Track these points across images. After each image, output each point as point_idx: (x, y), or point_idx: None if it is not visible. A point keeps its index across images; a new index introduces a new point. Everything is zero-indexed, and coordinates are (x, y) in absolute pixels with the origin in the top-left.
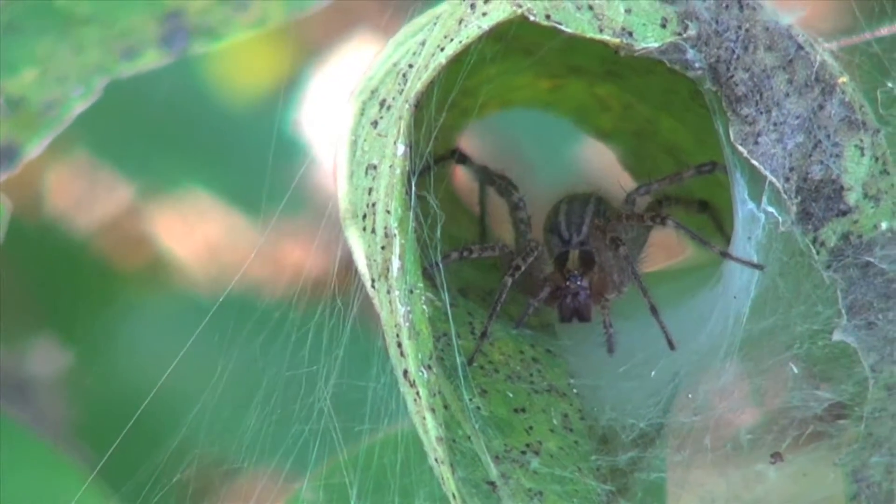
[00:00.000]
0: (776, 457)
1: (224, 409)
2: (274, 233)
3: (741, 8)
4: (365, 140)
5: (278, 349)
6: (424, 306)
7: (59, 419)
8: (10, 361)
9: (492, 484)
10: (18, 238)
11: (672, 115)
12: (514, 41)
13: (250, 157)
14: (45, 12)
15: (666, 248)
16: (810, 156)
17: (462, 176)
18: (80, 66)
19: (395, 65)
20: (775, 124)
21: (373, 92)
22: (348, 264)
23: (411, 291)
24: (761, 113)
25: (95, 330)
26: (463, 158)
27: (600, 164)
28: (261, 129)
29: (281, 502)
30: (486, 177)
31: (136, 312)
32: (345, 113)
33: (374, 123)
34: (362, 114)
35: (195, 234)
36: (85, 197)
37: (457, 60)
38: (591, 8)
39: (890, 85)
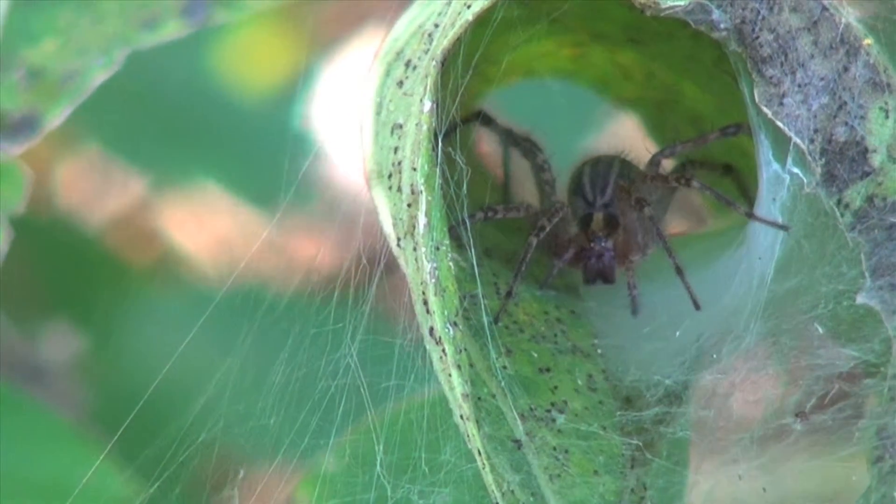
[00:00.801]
0: (801, 416)
1: (249, 369)
2: (285, 226)
3: None
4: (390, 101)
5: (303, 309)
6: (450, 263)
7: (74, 406)
8: (26, 353)
9: (517, 441)
10: (31, 233)
11: (695, 83)
12: (537, 5)
13: (260, 152)
14: None
15: (687, 217)
16: (835, 117)
17: (485, 144)
18: (100, 36)
19: (420, 26)
20: (800, 85)
21: (398, 53)
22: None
23: (437, 248)
24: (786, 74)
25: (108, 323)
26: (488, 120)
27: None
28: (271, 123)
29: (308, 457)
30: (511, 139)
31: (148, 306)
32: (369, 75)
33: (400, 83)
34: (388, 75)
35: (206, 228)
36: (96, 192)
37: (481, 23)
38: None
39: None
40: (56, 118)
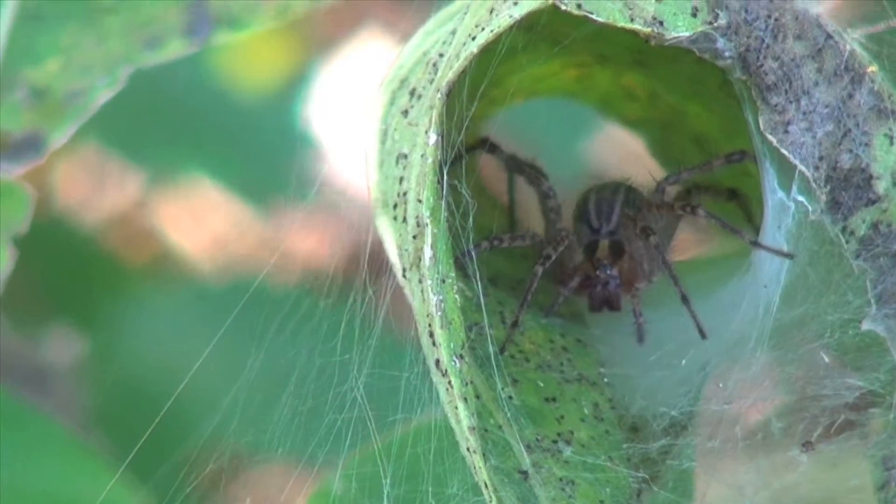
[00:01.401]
0: (807, 446)
1: (255, 398)
2: (284, 225)
3: None
4: (395, 129)
5: (309, 338)
6: (456, 296)
7: (75, 409)
8: (26, 351)
9: (524, 473)
10: (29, 233)
11: (699, 105)
12: (542, 30)
13: (259, 150)
14: (69, 1)
15: (693, 236)
16: (840, 144)
17: (489, 168)
18: (104, 55)
19: (424, 54)
20: (805, 113)
21: (402, 81)
22: (375, 255)
23: (443, 281)
24: (791, 102)
25: (106, 323)
26: (493, 148)
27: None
28: (269, 121)
29: (313, 490)
30: (516, 166)
31: (146, 305)
32: (373, 102)
33: (405, 112)
34: (392, 103)
35: (203, 226)
36: (94, 191)
37: (487, 50)
38: None
39: None
40: (60, 138)
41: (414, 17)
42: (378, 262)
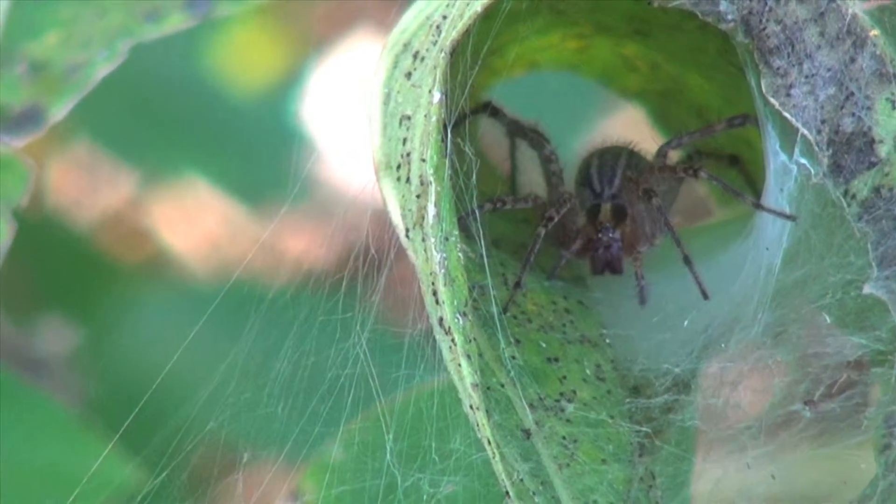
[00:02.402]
0: (810, 404)
1: (256, 357)
2: (277, 224)
3: None
4: (398, 92)
5: (310, 297)
6: (460, 254)
7: (71, 398)
8: (23, 345)
9: (526, 431)
10: (23, 228)
11: (700, 74)
12: None
13: (251, 150)
14: None
15: (694, 209)
16: (842, 108)
17: (489, 136)
18: (103, 29)
19: (427, 18)
20: (807, 76)
21: (405, 45)
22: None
23: (447, 239)
24: (793, 65)
25: (101, 319)
26: (495, 111)
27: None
28: (262, 121)
29: (317, 447)
30: (518, 130)
31: (139, 303)
32: (376, 67)
33: (408, 75)
34: (395, 66)
35: (196, 225)
36: (87, 188)
37: (488, 17)
38: None
39: None
40: (60, 111)
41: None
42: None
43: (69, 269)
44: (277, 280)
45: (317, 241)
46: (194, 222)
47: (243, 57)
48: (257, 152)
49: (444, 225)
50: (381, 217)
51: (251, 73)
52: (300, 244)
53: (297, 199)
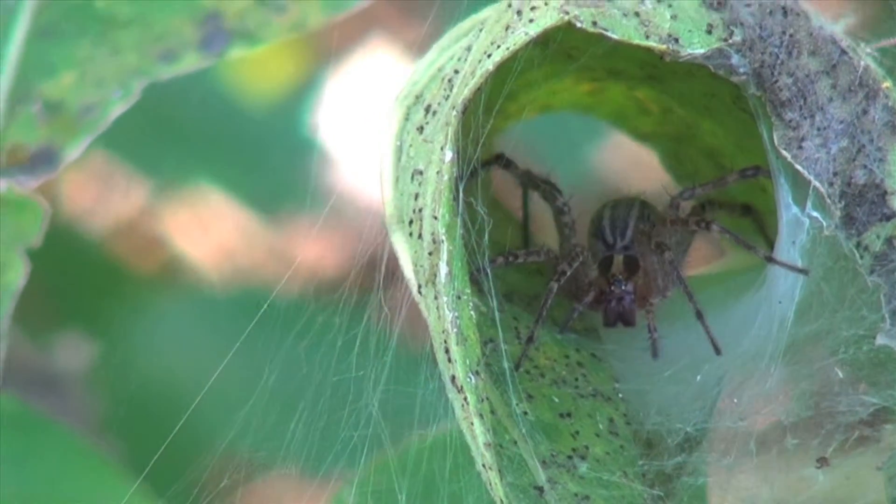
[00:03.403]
0: (822, 461)
1: (270, 413)
2: (291, 233)
3: (785, 14)
4: (410, 145)
5: (324, 354)
6: (472, 312)
7: (86, 414)
8: (38, 362)
9: (539, 489)
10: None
11: (713, 119)
12: (557, 46)
13: (265, 158)
14: (83, 15)
15: (707, 251)
16: (854, 160)
17: (502, 183)
18: (118, 68)
19: (439, 69)
20: (819, 129)
21: (417, 97)
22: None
23: (459, 297)
24: (805, 118)
25: (115, 330)
26: (508, 163)
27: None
28: (276, 130)
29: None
30: (531, 181)
31: (154, 313)
32: (388, 117)
33: (420, 129)
34: (407, 119)
35: (211, 236)
36: (102, 199)
37: (502, 66)
38: (637, 14)
39: None
40: (74, 151)
41: (420, 27)
42: (391, 272)
43: (83, 278)
44: (292, 290)
45: (330, 251)
46: (208, 231)
47: (258, 66)
48: (271, 161)
49: (456, 283)
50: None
51: (265, 82)
52: (314, 253)
53: (312, 208)
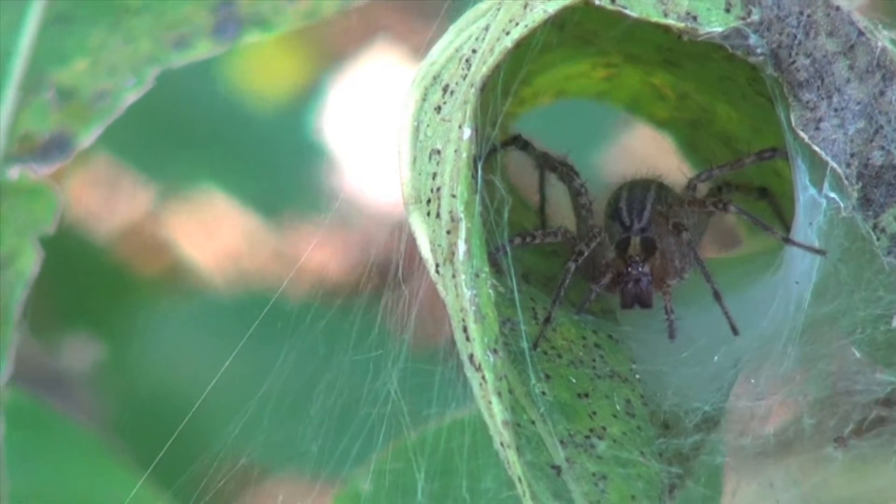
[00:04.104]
0: (839, 441)
1: (288, 394)
2: (295, 236)
3: None
4: (428, 125)
5: (344, 334)
6: (490, 290)
7: (93, 414)
8: (45, 362)
9: (557, 468)
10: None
11: (729, 104)
12: (573, 29)
13: (270, 162)
14: (96, 3)
15: (723, 238)
16: (871, 141)
17: (518, 167)
18: (131, 56)
19: (457, 50)
20: (836, 110)
21: (435, 77)
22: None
23: (477, 275)
24: (822, 98)
25: (120, 332)
26: (525, 144)
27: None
28: (281, 133)
29: (342, 491)
30: (547, 163)
31: (159, 316)
32: (406, 99)
33: (438, 109)
34: (425, 99)
35: (215, 238)
36: (106, 203)
37: (518, 47)
38: None
39: None
40: (87, 139)
41: (425, 31)
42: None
43: (90, 280)
44: (300, 293)
45: (336, 253)
46: (213, 234)
47: (263, 70)
48: (276, 164)
49: (474, 262)
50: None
51: (270, 86)
52: (320, 256)
53: (317, 211)
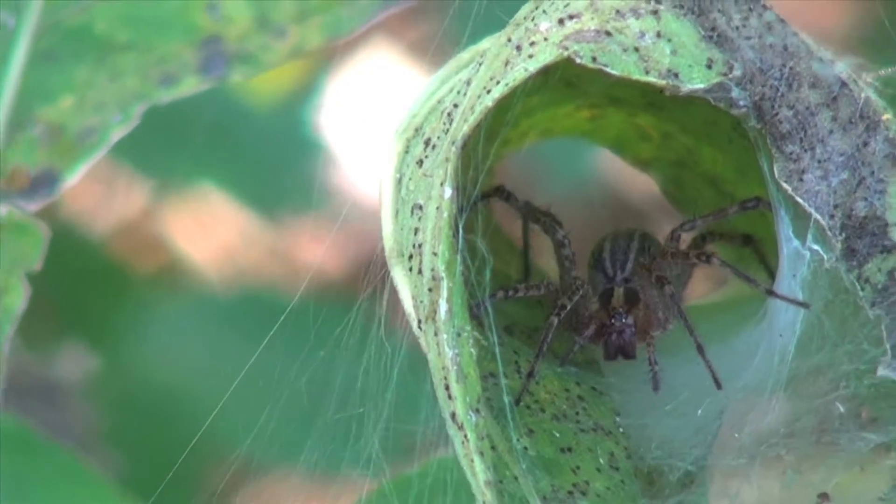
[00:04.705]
0: (823, 497)
1: (276, 419)
2: (292, 234)
3: (785, 47)
4: (410, 179)
5: (326, 390)
6: (472, 349)
7: (81, 421)
8: (37, 369)
9: None
10: None
11: (713, 146)
12: (559, 74)
13: (267, 159)
14: (82, 40)
15: (707, 279)
16: (854, 192)
17: (504, 209)
18: (117, 92)
19: (439, 102)
20: (820, 161)
21: (417, 130)
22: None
23: (459, 335)
24: (806, 150)
25: (115, 330)
26: (507, 196)
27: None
28: (278, 130)
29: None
30: (531, 214)
31: (155, 314)
32: (388, 150)
33: (420, 162)
34: (407, 152)
35: (211, 236)
36: (101, 199)
37: (502, 99)
38: (636, 50)
39: None
40: (74, 176)
41: (422, 28)
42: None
43: (85, 278)
44: (296, 292)
45: (332, 252)
46: (210, 232)
47: None
48: (273, 162)
49: (456, 321)
50: None
51: (267, 83)
52: (316, 255)
53: (314, 209)
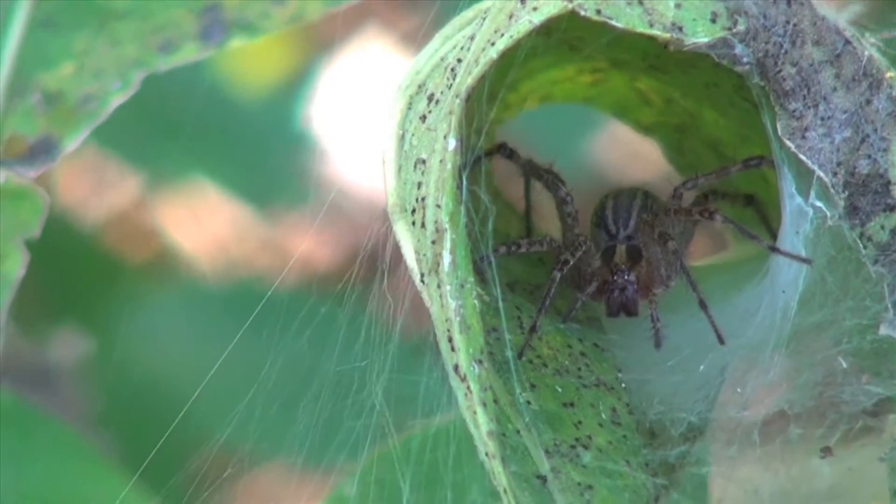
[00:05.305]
0: (826, 451)
1: (272, 404)
2: (284, 225)
3: (789, 3)
4: (413, 134)
5: (329, 345)
6: (475, 301)
7: (79, 408)
8: (31, 355)
9: (542, 478)
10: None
11: (715, 110)
12: (560, 35)
13: (259, 150)
14: (82, 7)
15: (710, 242)
16: (858, 150)
17: (504, 172)
18: (117, 60)
19: (442, 59)
20: (823, 119)
21: (420, 86)
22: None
23: (462, 286)
24: (809, 107)
25: (107, 321)
26: (510, 153)
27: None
28: (270, 121)
29: (328, 494)
30: (533, 171)
31: (147, 305)
32: (391, 107)
33: (423, 118)
34: (410, 108)
35: (204, 228)
36: (93, 190)
37: (505, 55)
38: (641, 3)
39: None
40: (73, 142)
41: (415, 18)
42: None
43: (77, 269)
44: (288, 282)
45: (325, 243)
46: (202, 223)
47: (252, 58)
48: (265, 153)
49: (459, 272)
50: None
51: (259, 74)
52: (308, 246)
53: (306, 200)
